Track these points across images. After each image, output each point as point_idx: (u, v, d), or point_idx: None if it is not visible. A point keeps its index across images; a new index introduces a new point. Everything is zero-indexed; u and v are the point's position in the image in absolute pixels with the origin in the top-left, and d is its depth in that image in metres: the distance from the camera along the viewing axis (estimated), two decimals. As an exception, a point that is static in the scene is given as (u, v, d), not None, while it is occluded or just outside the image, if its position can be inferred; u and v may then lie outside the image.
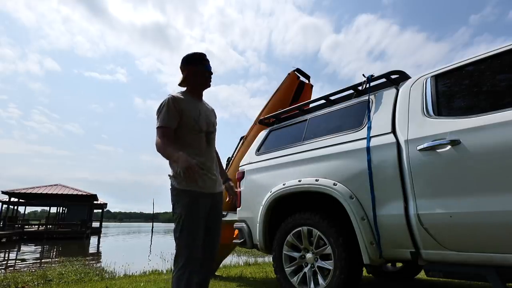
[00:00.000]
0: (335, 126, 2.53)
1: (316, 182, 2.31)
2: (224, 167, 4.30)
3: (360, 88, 2.61)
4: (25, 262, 9.54)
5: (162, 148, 1.63)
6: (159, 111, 1.76)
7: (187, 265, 1.60)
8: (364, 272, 3.64)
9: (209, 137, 1.86)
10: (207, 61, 1.88)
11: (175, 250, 1.66)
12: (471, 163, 1.62)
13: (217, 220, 1.85)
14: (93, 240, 20.80)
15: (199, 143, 1.80)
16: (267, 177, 2.81)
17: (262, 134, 3.35)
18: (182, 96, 1.81)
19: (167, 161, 1.74)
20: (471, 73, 1.88)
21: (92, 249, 14.72)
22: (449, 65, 2.00)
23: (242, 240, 2.89)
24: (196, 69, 1.85)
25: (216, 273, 4.36)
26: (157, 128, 1.73)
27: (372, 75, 2.50)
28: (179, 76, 1.90)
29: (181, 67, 1.87)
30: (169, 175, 1.79)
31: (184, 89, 1.90)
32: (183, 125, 1.76)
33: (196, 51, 1.89)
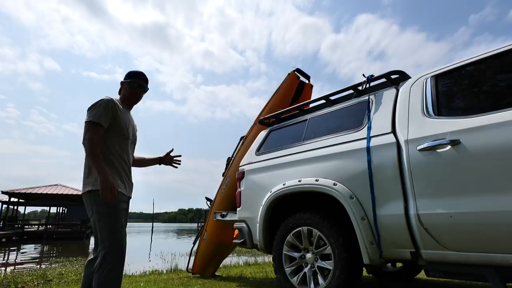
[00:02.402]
0: (335, 126, 2.53)
1: (316, 182, 2.31)
2: (224, 168, 4.32)
3: (360, 88, 2.61)
4: (25, 262, 9.54)
5: (95, 155, 1.71)
6: (95, 106, 1.83)
7: (117, 262, 1.74)
8: (364, 272, 3.64)
9: (132, 145, 2.07)
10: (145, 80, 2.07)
11: (104, 248, 1.74)
12: (471, 163, 1.62)
13: (126, 219, 2.00)
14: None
15: (126, 149, 1.98)
16: (267, 177, 2.81)
17: (262, 134, 3.35)
18: (118, 103, 1.96)
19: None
20: (471, 73, 1.88)
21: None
22: (449, 65, 2.00)
23: (242, 240, 2.89)
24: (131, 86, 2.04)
25: (216, 273, 4.36)
26: (90, 122, 1.78)
27: (372, 75, 2.50)
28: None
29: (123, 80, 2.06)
30: (88, 177, 1.82)
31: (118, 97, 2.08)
32: (116, 129, 1.89)
33: (138, 70, 2.08)
